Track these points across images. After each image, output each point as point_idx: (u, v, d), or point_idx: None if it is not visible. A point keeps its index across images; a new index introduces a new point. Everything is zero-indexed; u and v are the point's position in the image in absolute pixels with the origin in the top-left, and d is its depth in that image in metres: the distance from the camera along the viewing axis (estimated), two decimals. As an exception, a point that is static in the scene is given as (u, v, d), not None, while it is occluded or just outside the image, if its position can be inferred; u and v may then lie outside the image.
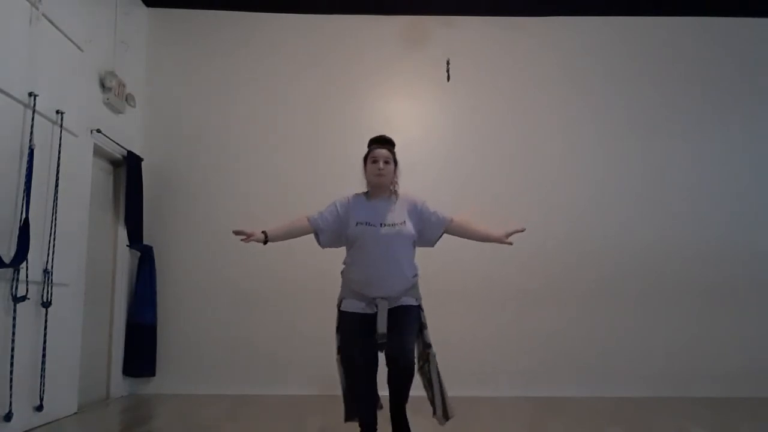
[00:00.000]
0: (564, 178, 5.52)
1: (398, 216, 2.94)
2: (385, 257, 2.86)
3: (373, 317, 2.83)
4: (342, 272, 3.05)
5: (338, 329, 3.01)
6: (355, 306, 2.92)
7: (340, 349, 2.98)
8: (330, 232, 3.03)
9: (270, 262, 5.31)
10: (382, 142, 3.10)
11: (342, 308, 2.99)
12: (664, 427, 4.02)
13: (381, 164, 2.98)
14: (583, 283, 5.37)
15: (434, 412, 2.95)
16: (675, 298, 5.36)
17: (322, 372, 5.10)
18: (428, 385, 2.95)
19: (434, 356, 2.92)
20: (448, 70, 5.34)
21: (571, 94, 5.64)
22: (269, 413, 4.38)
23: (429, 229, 3.02)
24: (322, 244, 3.09)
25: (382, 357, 2.85)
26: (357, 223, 2.93)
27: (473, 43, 5.66)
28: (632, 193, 5.51)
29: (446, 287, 5.12)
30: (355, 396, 2.94)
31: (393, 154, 3.06)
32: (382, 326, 2.78)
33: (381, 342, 2.78)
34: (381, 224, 2.90)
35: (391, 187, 3.04)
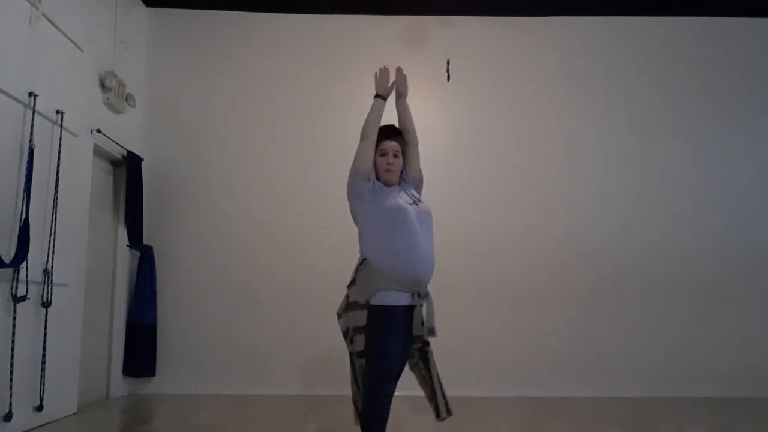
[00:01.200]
0: (564, 178, 5.52)
1: (413, 196, 2.81)
2: (423, 237, 2.66)
3: (409, 311, 2.59)
4: (365, 264, 2.65)
5: (363, 329, 2.62)
6: (399, 299, 2.57)
7: (375, 354, 2.57)
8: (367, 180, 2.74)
9: (270, 261, 5.32)
10: (391, 133, 2.89)
11: (380, 303, 2.56)
12: (664, 427, 4.02)
13: (390, 158, 2.80)
14: (583, 282, 5.37)
15: (438, 414, 2.70)
16: (675, 298, 5.37)
17: (322, 372, 5.12)
18: (428, 382, 2.74)
19: (432, 353, 2.79)
20: (448, 70, 5.32)
21: (571, 94, 5.65)
22: (269, 413, 4.38)
23: (412, 172, 2.92)
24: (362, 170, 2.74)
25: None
26: (396, 199, 2.68)
27: (473, 43, 5.66)
28: (632, 193, 5.51)
29: (446, 287, 5.10)
30: (378, 407, 2.55)
31: (402, 145, 2.89)
32: (431, 319, 2.55)
33: (429, 336, 2.57)
34: (413, 203, 2.73)
35: (402, 177, 2.91)
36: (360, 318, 2.62)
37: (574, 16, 5.69)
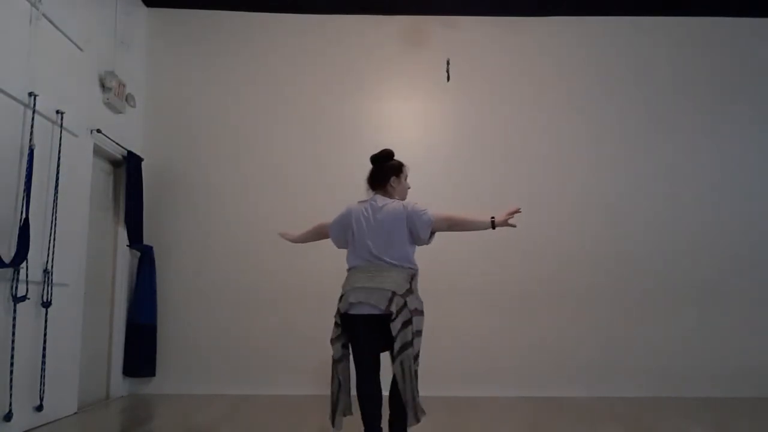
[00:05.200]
0: (564, 178, 5.52)
1: None
2: None
3: None
4: (417, 276, 3.03)
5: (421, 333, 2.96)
6: None
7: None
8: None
9: (270, 261, 5.32)
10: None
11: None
12: (664, 427, 4.02)
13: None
14: (583, 283, 5.36)
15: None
16: (675, 298, 5.36)
17: (322, 372, 5.11)
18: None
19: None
20: (448, 70, 5.34)
21: (571, 94, 5.64)
22: (269, 413, 4.38)
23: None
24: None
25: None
26: None
27: (473, 44, 5.66)
28: (632, 193, 5.51)
29: (447, 287, 5.12)
30: None
31: None
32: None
33: None
34: None
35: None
36: (422, 322, 2.94)
37: (574, 16, 5.69)
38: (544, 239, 5.37)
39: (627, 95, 5.64)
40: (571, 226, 5.45)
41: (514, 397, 5.05)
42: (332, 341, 3.04)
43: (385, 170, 3.16)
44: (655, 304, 5.36)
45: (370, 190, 3.18)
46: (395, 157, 3.20)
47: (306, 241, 3.61)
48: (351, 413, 2.99)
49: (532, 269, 5.36)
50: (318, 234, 3.46)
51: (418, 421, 2.81)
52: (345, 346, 3.00)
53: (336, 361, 3.00)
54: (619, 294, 5.36)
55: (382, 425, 2.92)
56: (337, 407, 2.97)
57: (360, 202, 3.17)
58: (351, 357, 3.00)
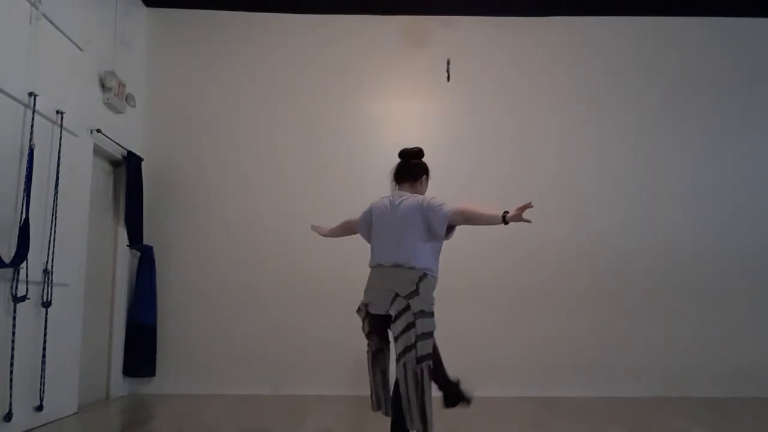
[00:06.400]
0: (564, 178, 5.52)
1: None
2: None
3: None
4: (429, 277, 2.92)
5: (432, 334, 2.89)
6: None
7: (431, 354, 2.84)
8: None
9: (270, 261, 5.32)
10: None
11: (433, 312, 2.93)
12: (664, 427, 4.02)
13: None
14: (583, 283, 5.37)
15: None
16: (675, 298, 5.37)
17: (322, 372, 5.12)
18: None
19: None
20: (448, 70, 5.34)
21: (571, 94, 5.64)
22: (269, 413, 4.38)
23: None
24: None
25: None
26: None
27: (473, 44, 5.66)
28: (633, 194, 5.51)
29: (445, 287, 5.10)
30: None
31: None
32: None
33: None
34: None
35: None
36: (430, 324, 2.85)
37: (574, 16, 5.69)
38: (544, 239, 5.37)
39: (627, 95, 5.64)
40: (571, 226, 5.45)
41: (514, 397, 5.05)
42: (366, 336, 3.07)
43: (418, 166, 3.17)
44: (655, 304, 5.36)
45: (395, 184, 3.15)
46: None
47: (334, 236, 3.60)
48: (379, 410, 3.01)
49: (532, 269, 5.36)
50: (345, 230, 3.45)
51: (425, 430, 2.74)
52: (377, 340, 3.05)
53: (371, 354, 3.07)
54: (619, 294, 5.37)
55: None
56: (372, 395, 3.04)
57: (383, 197, 3.15)
58: (388, 351, 3.05)
